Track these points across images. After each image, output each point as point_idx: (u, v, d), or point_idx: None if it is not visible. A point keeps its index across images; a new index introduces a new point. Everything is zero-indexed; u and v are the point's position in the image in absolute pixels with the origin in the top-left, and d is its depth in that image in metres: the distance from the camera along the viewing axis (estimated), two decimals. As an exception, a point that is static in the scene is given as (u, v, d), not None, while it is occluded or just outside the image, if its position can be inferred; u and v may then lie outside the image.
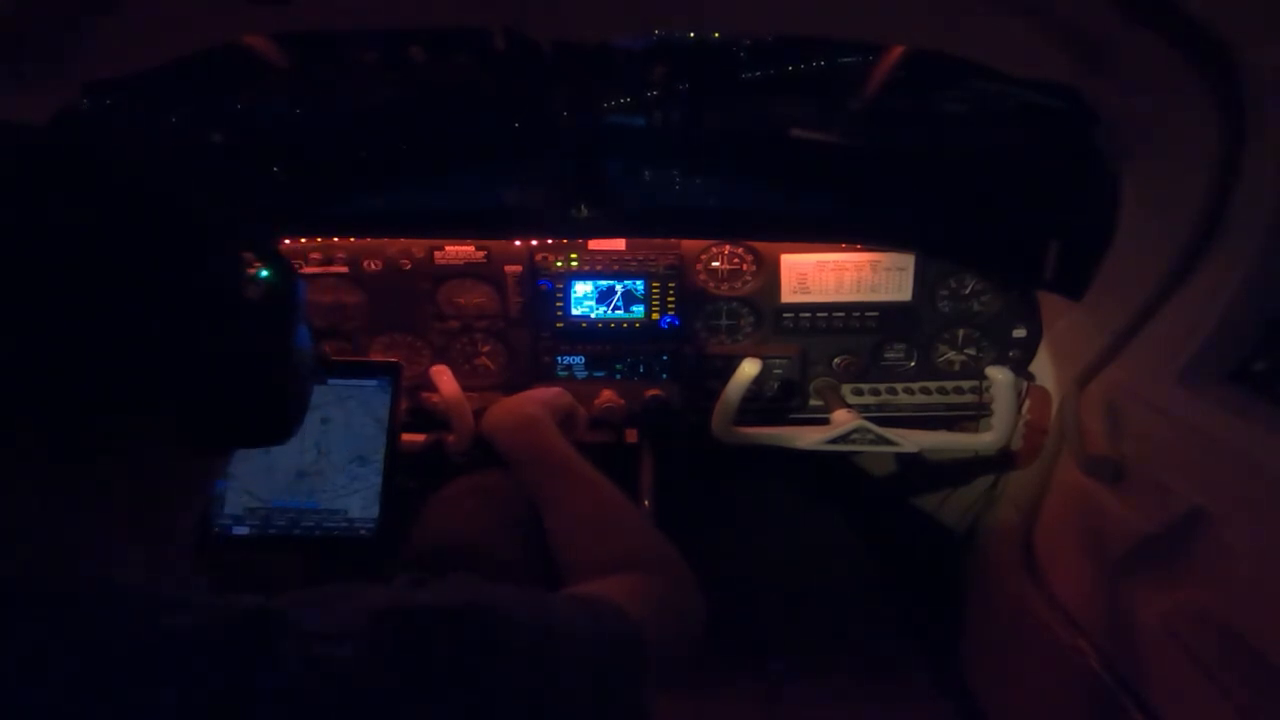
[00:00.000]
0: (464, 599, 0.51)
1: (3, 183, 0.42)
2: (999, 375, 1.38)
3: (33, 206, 0.42)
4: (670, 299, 1.51)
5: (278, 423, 0.57)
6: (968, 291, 1.51)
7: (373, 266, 1.49)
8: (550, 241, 1.50)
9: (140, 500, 0.49)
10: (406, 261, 1.48)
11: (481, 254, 1.48)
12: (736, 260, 1.52)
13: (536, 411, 1.07)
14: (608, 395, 1.52)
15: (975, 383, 1.54)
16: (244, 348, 0.51)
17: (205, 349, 0.48)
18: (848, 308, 1.51)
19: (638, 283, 1.51)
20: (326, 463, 1.08)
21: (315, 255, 1.47)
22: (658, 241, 1.50)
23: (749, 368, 1.38)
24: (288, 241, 1.49)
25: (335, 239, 1.48)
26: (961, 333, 1.53)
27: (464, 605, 0.50)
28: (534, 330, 1.53)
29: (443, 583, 0.55)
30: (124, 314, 0.44)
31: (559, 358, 1.54)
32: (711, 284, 1.53)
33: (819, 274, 1.51)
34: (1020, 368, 1.46)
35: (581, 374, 1.55)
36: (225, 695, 0.41)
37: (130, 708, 0.39)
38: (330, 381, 1.11)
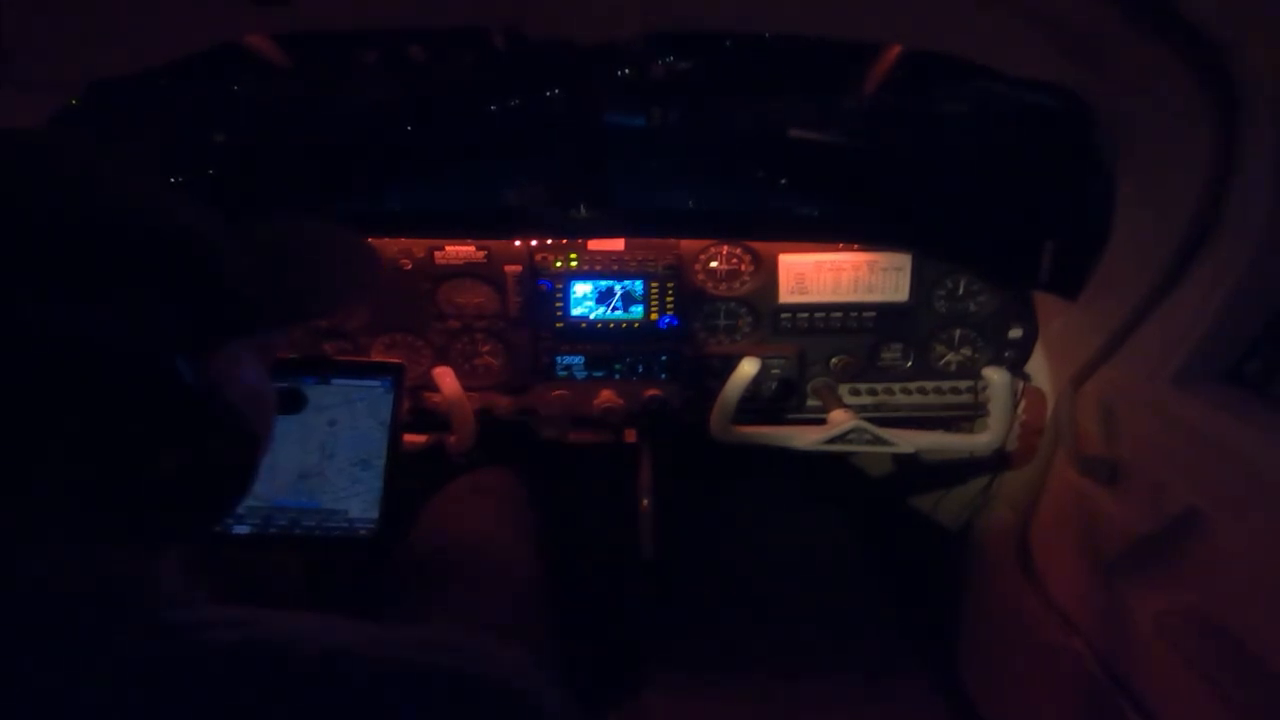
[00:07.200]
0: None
1: None
2: (995, 375, 1.39)
3: None
4: (669, 299, 1.51)
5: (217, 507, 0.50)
6: (964, 292, 1.51)
7: (372, 266, 1.49)
8: (550, 241, 1.50)
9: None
10: (406, 261, 1.48)
11: (481, 254, 1.49)
12: (735, 260, 1.52)
13: None
14: (607, 395, 1.52)
15: (971, 383, 1.54)
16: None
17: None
18: (845, 308, 1.52)
19: (637, 283, 1.51)
20: (330, 465, 1.09)
21: None
22: (656, 242, 1.51)
23: (747, 367, 1.39)
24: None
25: (335, 239, 1.48)
26: (958, 333, 1.54)
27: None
28: (534, 330, 1.54)
29: (424, 630, 0.53)
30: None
31: (559, 358, 1.55)
32: (710, 284, 1.53)
33: (817, 274, 1.51)
34: (1016, 368, 1.46)
35: (581, 374, 1.55)
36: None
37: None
38: (335, 382, 1.12)
